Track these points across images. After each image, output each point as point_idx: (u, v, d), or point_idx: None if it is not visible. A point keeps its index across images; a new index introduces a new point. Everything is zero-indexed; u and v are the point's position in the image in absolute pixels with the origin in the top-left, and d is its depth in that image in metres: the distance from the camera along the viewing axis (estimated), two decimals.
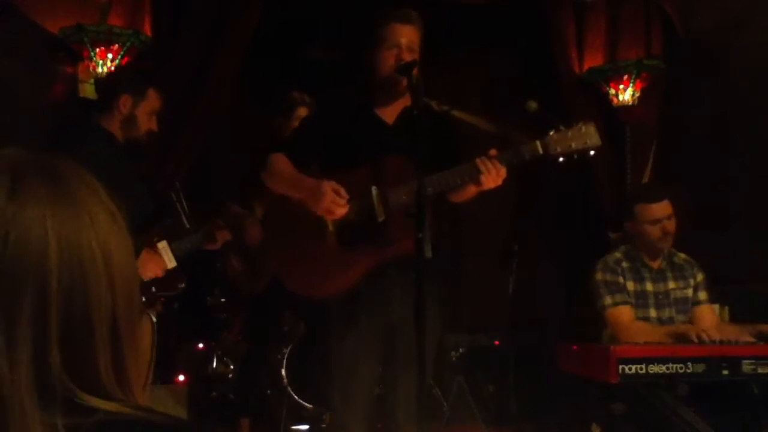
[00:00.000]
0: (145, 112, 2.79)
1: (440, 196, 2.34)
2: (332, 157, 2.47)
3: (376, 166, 2.35)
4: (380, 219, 2.30)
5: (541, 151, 2.26)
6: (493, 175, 2.25)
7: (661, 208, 3.03)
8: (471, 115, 2.43)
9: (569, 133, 2.27)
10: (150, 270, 2.67)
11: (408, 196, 2.22)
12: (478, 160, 2.25)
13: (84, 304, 0.69)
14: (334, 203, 2.29)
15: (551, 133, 2.27)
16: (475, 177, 2.26)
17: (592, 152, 2.29)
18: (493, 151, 2.27)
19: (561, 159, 2.28)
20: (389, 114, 2.48)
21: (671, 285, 3.09)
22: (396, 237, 2.27)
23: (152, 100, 2.83)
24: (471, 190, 2.35)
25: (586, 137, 2.27)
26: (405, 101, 2.39)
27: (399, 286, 2.33)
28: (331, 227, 2.37)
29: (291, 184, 2.40)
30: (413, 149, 2.15)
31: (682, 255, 3.16)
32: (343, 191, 2.31)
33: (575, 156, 2.28)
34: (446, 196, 2.37)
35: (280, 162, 2.44)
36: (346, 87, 2.64)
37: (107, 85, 3.39)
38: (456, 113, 2.45)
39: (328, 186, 2.30)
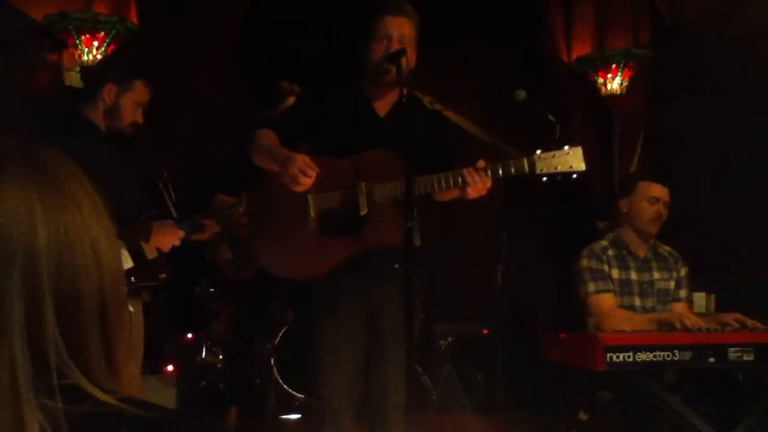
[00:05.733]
0: (130, 103, 2.68)
1: (426, 195, 2.37)
2: (321, 142, 2.47)
3: (364, 159, 2.37)
4: (362, 213, 2.32)
5: (527, 169, 2.30)
6: (478, 187, 2.30)
7: (663, 191, 3.11)
8: (462, 119, 2.45)
9: (556, 155, 2.31)
10: (168, 241, 2.62)
11: (395, 193, 2.26)
12: (465, 171, 2.29)
13: (73, 283, 0.70)
14: (301, 172, 2.30)
15: (538, 152, 2.31)
16: (461, 185, 2.31)
17: (574, 176, 2.32)
18: (481, 163, 2.30)
19: (544, 179, 2.32)
20: (382, 107, 2.49)
21: (656, 275, 3.12)
22: (375, 231, 2.31)
23: (139, 91, 2.72)
24: (455, 193, 2.38)
25: (572, 161, 2.31)
26: (397, 94, 2.38)
27: (380, 275, 2.36)
28: (313, 214, 2.38)
29: (268, 155, 2.43)
30: (404, 143, 2.16)
31: (667, 248, 3.20)
32: (313, 165, 2.32)
33: (559, 177, 2.32)
34: (432, 195, 2.40)
35: (265, 135, 2.47)
36: (341, 77, 2.63)
37: (93, 73, 3.34)
38: (448, 114, 2.46)
39: (300, 157, 2.33)
